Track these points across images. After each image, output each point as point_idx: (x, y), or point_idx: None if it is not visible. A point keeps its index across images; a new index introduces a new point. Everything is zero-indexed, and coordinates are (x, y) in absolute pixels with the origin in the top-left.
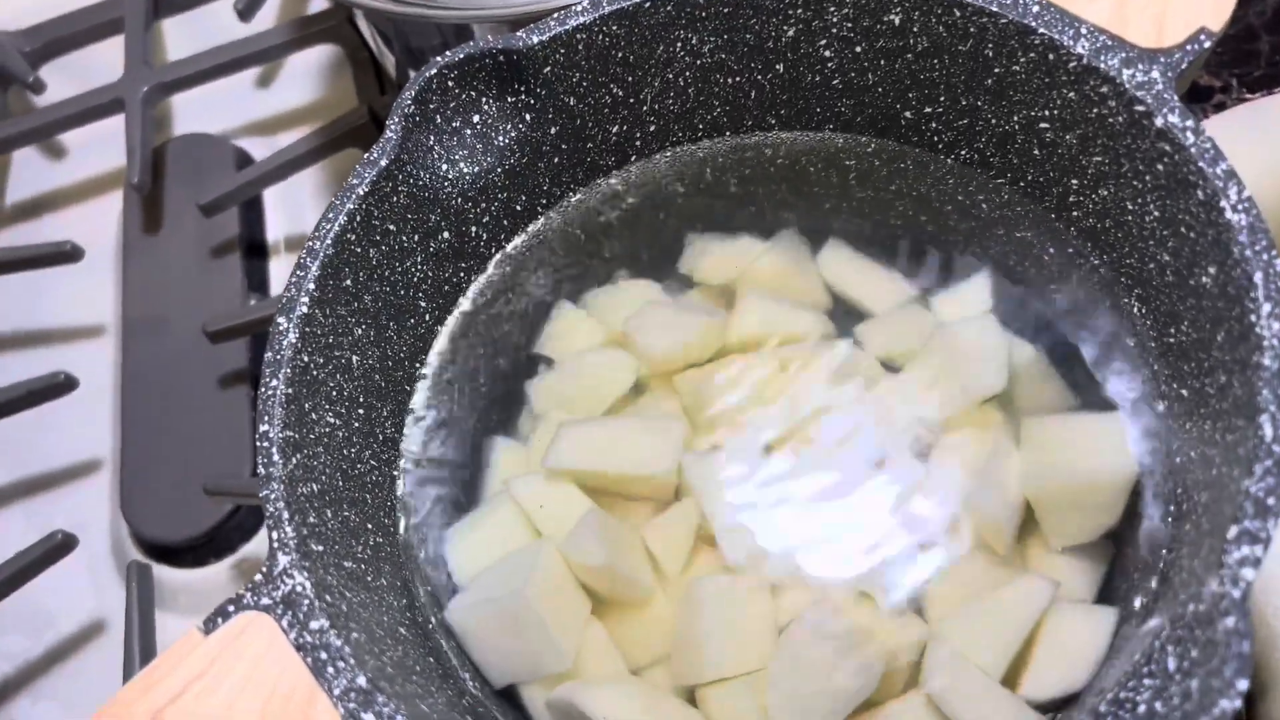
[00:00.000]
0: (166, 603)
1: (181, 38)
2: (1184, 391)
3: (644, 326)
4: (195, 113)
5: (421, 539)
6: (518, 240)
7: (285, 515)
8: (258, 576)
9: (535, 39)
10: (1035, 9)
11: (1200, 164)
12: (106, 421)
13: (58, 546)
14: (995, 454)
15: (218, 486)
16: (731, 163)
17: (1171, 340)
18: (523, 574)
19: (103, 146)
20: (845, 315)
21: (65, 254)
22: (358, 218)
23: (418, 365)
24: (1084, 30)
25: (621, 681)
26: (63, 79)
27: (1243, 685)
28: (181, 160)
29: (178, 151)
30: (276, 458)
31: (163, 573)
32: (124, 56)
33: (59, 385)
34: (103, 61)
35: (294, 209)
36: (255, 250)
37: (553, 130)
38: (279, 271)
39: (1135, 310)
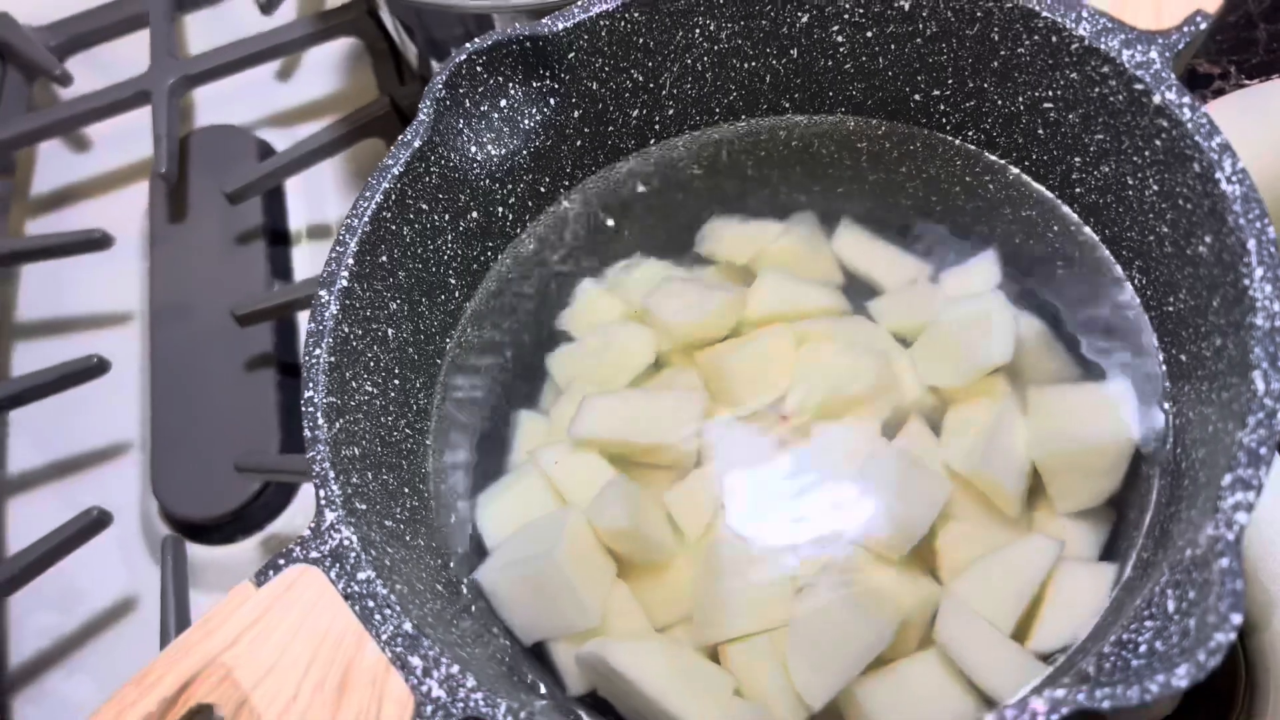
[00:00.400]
0: (196, 579)
1: (204, 32)
2: (1182, 357)
3: (663, 302)
4: (218, 105)
5: (452, 504)
6: (542, 220)
7: (331, 474)
8: (305, 532)
9: (560, 25)
10: None
11: (1196, 138)
12: (135, 405)
13: (93, 523)
14: (1003, 422)
15: (249, 463)
16: (747, 145)
17: (1170, 309)
18: (551, 538)
19: (127, 138)
20: (859, 292)
21: (95, 241)
22: (393, 196)
23: (447, 340)
24: (1085, 13)
25: (647, 638)
26: (88, 72)
27: (1237, 619)
28: (205, 151)
29: (201, 143)
30: (321, 421)
31: (192, 550)
32: (149, 49)
33: (92, 368)
34: (127, 55)
35: (316, 198)
36: (278, 238)
37: (576, 114)
38: (302, 259)
39: (1136, 281)
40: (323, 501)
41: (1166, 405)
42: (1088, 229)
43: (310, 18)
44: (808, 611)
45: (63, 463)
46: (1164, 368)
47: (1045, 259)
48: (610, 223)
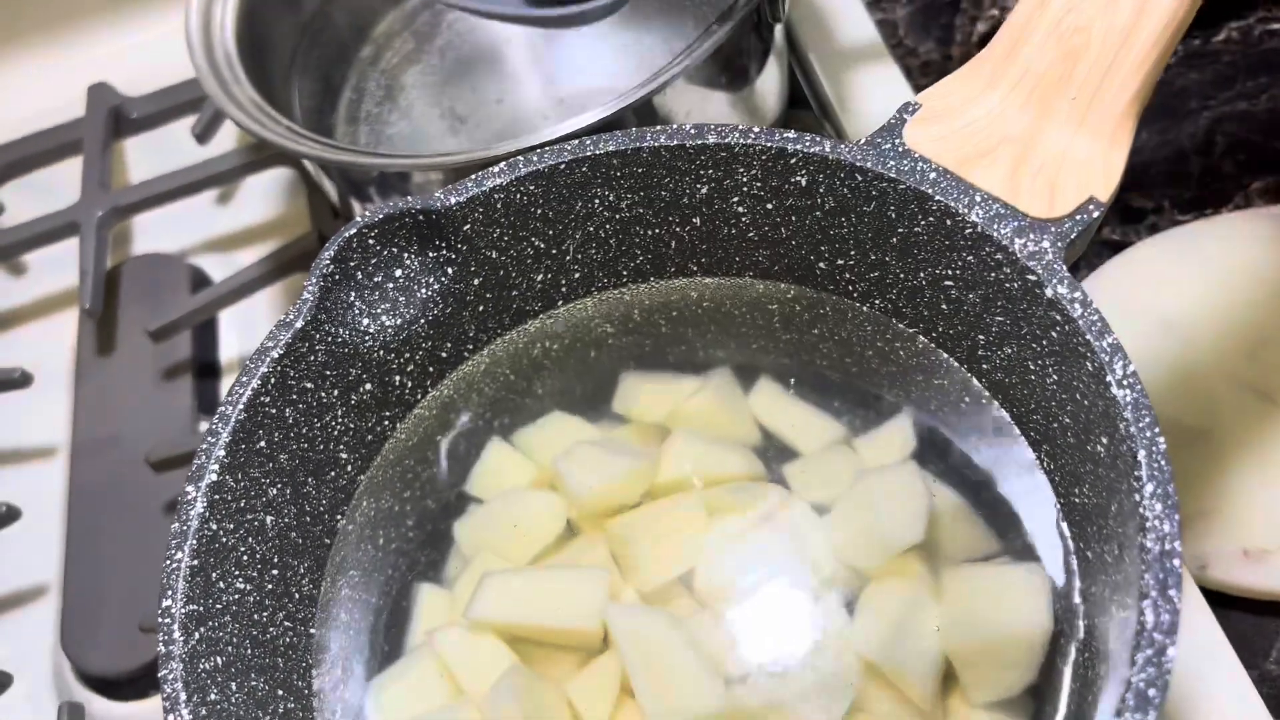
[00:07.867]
0: None
1: (142, 155)
2: (1089, 553)
3: (572, 469)
4: (153, 230)
5: (341, 695)
6: (445, 385)
7: (182, 697)
8: None
9: (453, 199)
10: (932, 175)
11: (1088, 336)
12: (55, 546)
13: None
14: (914, 607)
15: (153, 623)
16: (658, 304)
17: (1076, 500)
18: None
19: (61, 265)
20: (775, 453)
21: (14, 381)
22: (271, 380)
23: (338, 517)
24: (978, 198)
25: None
26: (23, 198)
27: None
28: (137, 281)
29: (133, 272)
30: (178, 635)
31: (104, 706)
32: (81, 179)
33: (2, 516)
34: (64, 180)
35: (248, 329)
36: (207, 371)
37: (476, 281)
38: None
39: (1045, 465)
40: None
41: (1077, 601)
42: (996, 406)
43: (246, 148)
44: None
45: None
46: (1075, 560)
47: (961, 429)
48: (520, 382)
